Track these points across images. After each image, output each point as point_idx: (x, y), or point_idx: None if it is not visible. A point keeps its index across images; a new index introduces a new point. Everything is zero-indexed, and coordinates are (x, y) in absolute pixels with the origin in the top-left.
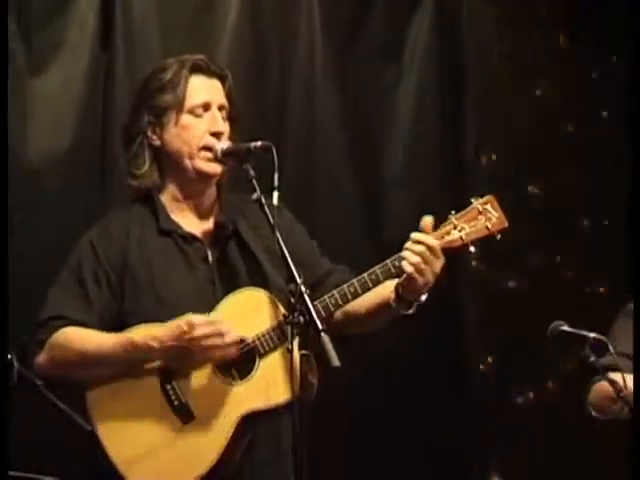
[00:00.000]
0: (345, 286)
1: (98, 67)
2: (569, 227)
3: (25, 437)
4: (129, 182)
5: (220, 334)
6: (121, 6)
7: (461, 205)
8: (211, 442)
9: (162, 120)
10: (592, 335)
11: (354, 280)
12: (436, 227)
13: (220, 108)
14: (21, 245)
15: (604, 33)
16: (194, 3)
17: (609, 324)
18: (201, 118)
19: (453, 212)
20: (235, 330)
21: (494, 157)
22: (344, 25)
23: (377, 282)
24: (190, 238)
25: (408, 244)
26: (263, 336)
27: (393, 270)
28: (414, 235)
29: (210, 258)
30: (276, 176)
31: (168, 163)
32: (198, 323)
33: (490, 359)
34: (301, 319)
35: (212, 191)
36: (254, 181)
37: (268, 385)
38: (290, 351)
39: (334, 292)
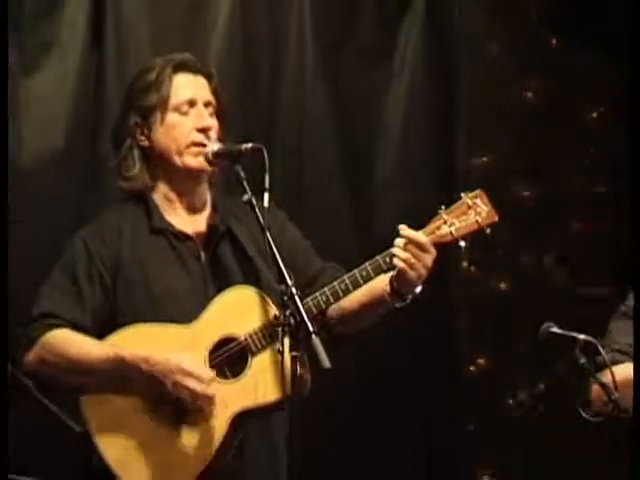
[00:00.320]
0: (336, 283)
1: (89, 67)
2: (560, 229)
3: (15, 438)
4: (120, 185)
5: (199, 394)
6: (112, 6)
7: (452, 204)
8: (205, 441)
9: (149, 120)
10: (582, 337)
11: (345, 277)
12: (426, 222)
13: (206, 104)
14: (12, 245)
15: (595, 33)
16: (185, 4)
17: (600, 324)
18: (187, 115)
19: (443, 207)
20: (226, 328)
21: (485, 158)
22: (334, 26)
23: (368, 278)
24: (183, 237)
25: (397, 240)
26: (255, 334)
27: (384, 266)
28: (404, 232)
29: (203, 257)
30: (267, 178)
31: (158, 162)
32: (185, 371)
33: (481, 361)
34: (292, 320)
35: (203, 190)
36: (245, 183)
37: (260, 384)
38: (281, 353)
39: (325, 289)
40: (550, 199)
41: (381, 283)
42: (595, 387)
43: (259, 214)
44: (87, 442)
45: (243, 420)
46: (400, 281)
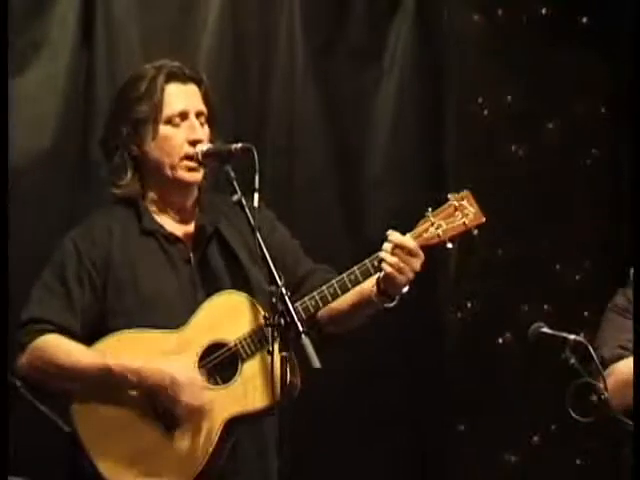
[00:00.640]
0: (325, 287)
1: (79, 66)
2: (553, 226)
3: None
4: (113, 191)
5: (194, 407)
6: (102, 5)
7: (442, 204)
8: (197, 448)
9: (140, 132)
10: (572, 337)
11: (333, 281)
12: (413, 225)
13: (198, 114)
14: None
15: (588, 34)
16: (175, 4)
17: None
18: (179, 127)
19: (430, 209)
20: (216, 334)
21: (475, 158)
22: (324, 27)
23: (356, 282)
24: (173, 239)
25: (385, 245)
26: (245, 340)
27: (372, 270)
28: (391, 237)
29: (192, 259)
30: (257, 178)
31: (149, 172)
32: (179, 384)
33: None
34: (282, 321)
35: (193, 194)
36: (235, 183)
37: (250, 389)
38: (271, 353)
39: (314, 294)
40: (542, 197)
41: (370, 284)
42: (585, 387)
43: (249, 214)
44: (76, 443)
45: (234, 425)
46: (387, 284)
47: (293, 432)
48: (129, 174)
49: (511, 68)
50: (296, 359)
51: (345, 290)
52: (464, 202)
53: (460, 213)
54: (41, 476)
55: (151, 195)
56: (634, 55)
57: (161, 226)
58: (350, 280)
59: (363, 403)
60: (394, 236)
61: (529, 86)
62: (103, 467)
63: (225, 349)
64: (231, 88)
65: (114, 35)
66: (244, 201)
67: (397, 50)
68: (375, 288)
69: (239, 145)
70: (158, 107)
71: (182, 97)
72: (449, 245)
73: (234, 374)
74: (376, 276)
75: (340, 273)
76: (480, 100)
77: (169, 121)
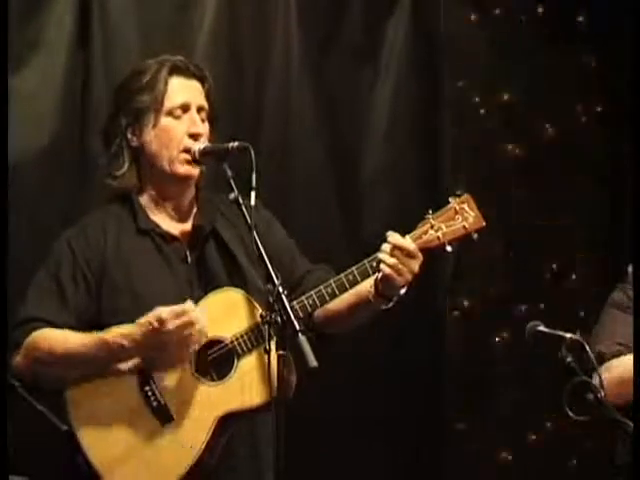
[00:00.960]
0: (322, 287)
1: (76, 66)
2: (551, 223)
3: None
4: (108, 182)
5: (191, 323)
6: (98, 5)
7: (438, 204)
8: (190, 443)
9: (141, 122)
10: (569, 336)
11: (331, 281)
12: (413, 223)
13: (199, 109)
14: None
15: (583, 33)
16: (172, 3)
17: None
18: (180, 120)
19: (430, 212)
20: (213, 331)
21: (472, 159)
22: (321, 26)
23: (354, 283)
24: (169, 238)
25: (384, 246)
26: (241, 337)
27: (370, 271)
28: (391, 238)
29: (189, 258)
30: (254, 176)
31: (147, 164)
32: (167, 317)
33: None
34: (278, 319)
35: (190, 192)
36: (232, 181)
37: (245, 386)
38: (267, 351)
39: (312, 293)
40: (540, 197)
41: (367, 284)
42: (582, 386)
43: (246, 213)
44: (72, 441)
45: (229, 422)
46: (385, 285)
47: (288, 431)
48: (126, 164)
49: (508, 68)
50: (292, 358)
51: (343, 290)
52: (465, 206)
53: (460, 217)
54: (40, 476)
55: (147, 190)
56: (633, 55)
57: (157, 225)
58: (348, 280)
59: (360, 402)
60: (393, 237)
61: (526, 86)
62: (97, 462)
63: (221, 345)
64: (227, 87)
65: (110, 35)
66: (241, 199)
67: (393, 49)
68: (373, 289)
69: (236, 144)
70: (160, 98)
71: (184, 90)
72: (448, 248)
73: (230, 371)
74: (374, 277)
75: (336, 272)
76: (476, 100)
77: (170, 113)
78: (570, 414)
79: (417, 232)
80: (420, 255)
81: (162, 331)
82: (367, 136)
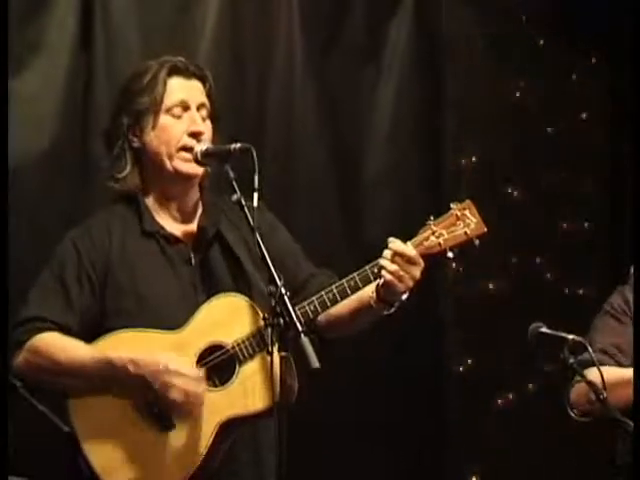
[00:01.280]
0: (324, 293)
1: (78, 68)
2: (549, 229)
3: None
4: (110, 185)
5: (186, 392)
6: (100, 7)
7: (440, 206)
8: (191, 449)
9: (141, 122)
10: (571, 337)
11: (333, 287)
12: (412, 227)
13: (200, 107)
14: None
15: (583, 34)
16: (174, 5)
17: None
18: (180, 119)
19: (432, 218)
20: (215, 336)
21: (474, 159)
22: (323, 28)
23: (356, 289)
24: (173, 240)
25: (385, 252)
26: (242, 342)
27: (372, 277)
28: (392, 245)
29: (193, 261)
30: (256, 178)
31: (149, 165)
32: (173, 370)
33: (470, 361)
34: (281, 321)
35: (194, 193)
36: (234, 183)
37: (247, 392)
38: (270, 353)
39: (313, 299)
40: (538, 199)
41: (369, 290)
42: (583, 387)
43: (248, 214)
44: (74, 443)
45: (231, 428)
46: (386, 291)
47: (291, 436)
48: (128, 166)
49: (510, 68)
50: (294, 363)
51: (344, 296)
52: (466, 212)
53: (462, 222)
54: (40, 476)
55: (152, 190)
56: (633, 55)
57: (162, 227)
58: (350, 286)
59: (362, 407)
60: (395, 244)
61: (529, 87)
62: (98, 467)
63: (223, 351)
64: (229, 89)
65: (113, 37)
66: (243, 201)
67: (396, 50)
68: (374, 295)
69: (238, 145)
70: (159, 99)
71: (184, 89)
72: (450, 254)
73: (231, 376)
74: (375, 283)
75: (338, 274)
76: (478, 100)
77: (170, 112)
78: (572, 415)
79: (418, 238)
80: (421, 261)
81: (162, 379)
82: (369, 137)
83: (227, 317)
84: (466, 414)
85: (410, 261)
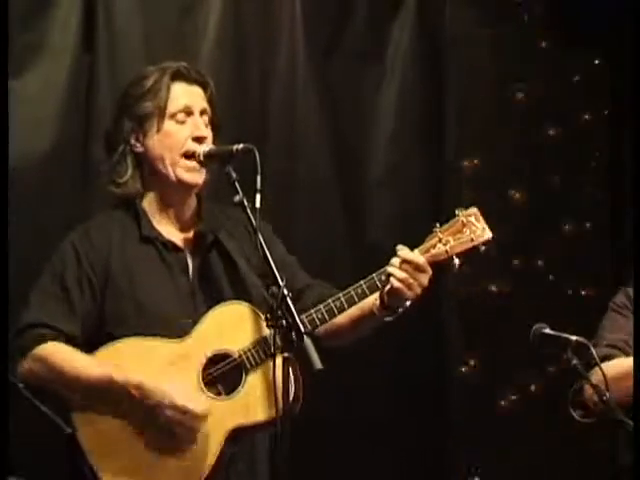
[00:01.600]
0: (331, 301)
1: (80, 70)
2: (552, 230)
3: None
4: (111, 190)
5: (192, 430)
6: (103, 9)
7: (442, 207)
8: (200, 458)
9: (144, 127)
10: (574, 338)
11: (340, 295)
12: (417, 230)
13: (202, 113)
14: None
15: (586, 35)
16: (177, 7)
17: (592, 325)
18: (183, 124)
19: (438, 225)
20: (220, 344)
21: (476, 160)
22: (325, 29)
23: (364, 296)
24: (171, 247)
25: (394, 260)
26: (249, 350)
27: (379, 285)
28: (401, 253)
29: (190, 268)
30: (258, 179)
31: (150, 170)
32: (180, 406)
33: (472, 362)
34: (283, 322)
35: (193, 201)
36: (236, 184)
37: (255, 401)
38: (273, 355)
39: (320, 307)
40: (540, 200)
41: (372, 297)
42: (587, 388)
43: (251, 215)
44: (77, 444)
45: (237, 437)
46: (393, 298)
47: (293, 437)
48: (129, 171)
49: (513, 68)
50: (299, 370)
51: (352, 304)
52: (472, 218)
53: (468, 229)
54: (41, 476)
55: (151, 196)
56: (633, 55)
57: (160, 233)
58: (357, 294)
59: (364, 409)
60: (403, 251)
61: (532, 87)
62: (105, 475)
63: (229, 360)
64: (233, 91)
65: (115, 39)
66: (245, 202)
67: (398, 51)
68: (378, 302)
69: (240, 146)
70: (163, 103)
71: (187, 95)
72: (456, 261)
73: (237, 385)
74: (379, 291)
75: (340, 275)
76: (482, 102)
77: (173, 117)
78: (575, 416)
79: (425, 245)
80: (429, 269)
81: (165, 414)
82: (372, 138)
83: (232, 325)
84: (468, 415)
85: (419, 269)
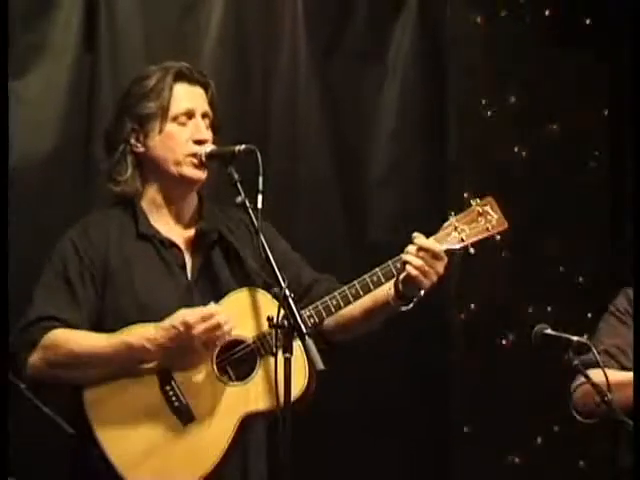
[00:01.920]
0: (346, 288)
1: (82, 70)
2: (556, 229)
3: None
4: (111, 188)
5: (218, 326)
6: (105, 9)
7: (444, 206)
8: (212, 443)
9: (146, 128)
10: (575, 338)
11: (355, 282)
12: (418, 228)
13: (203, 116)
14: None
15: (586, 35)
16: (178, 6)
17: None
18: (185, 126)
19: (453, 213)
20: (236, 330)
21: (477, 159)
22: (327, 28)
23: (379, 284)
24: (168, 244)
25: (410, 247)
26: (264, 337)
27: (395, 272)
28: (417, 240)
29: (189, 265)
30: (260, 179)
31: (151, 169)
32: (193, 322)
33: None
34: (285, 322)
35: (192, 198)
36: (238, 184)
37: (267, 387)
38: (275, 354)
39: (335, 293)
40: (544, 200)
41: (385, 287)
42: (588, 388)
43: (252, 216)
44: (81, 444)
45: (250, 423)
46: (409, 286)
47: (295, 430)
48: (129, 170)
49: (514, 69)
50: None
51: (367, 291)
52: (487, 207)
53: (483, 219)
54: (41, 477)
55: (150, 194)
56: (634, 55)
57: (157, 231)
58: (372, 281)
59: (366, 405)
60: (420, 239)
61: (532, 87)
62: (117, 461)
63: (244, 346)
64: (234, 91)
65: (117, 39)
66: (247, 203)
67: (400, 51)
68: (393, 291)
69: (242, 146)
70: (166, 104)
71: (189, 96)
72: (471, 250)
73: (252, 371)
74: (392, 280)
75: (341, 274)
76: (483, 102)
77: (176, 119)
78: (576, 416)
79: (441, 234)
80: (445, 257)
81: (188, 335)
82: (373, 137)
83: (246, 311)
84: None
85: (435, 256)
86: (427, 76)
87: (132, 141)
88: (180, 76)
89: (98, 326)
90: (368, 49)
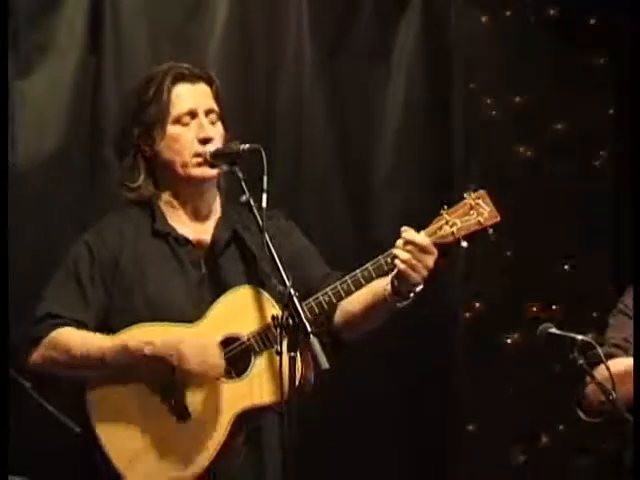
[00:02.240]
0: (338, 284)
1: (86, 70)
2: (560, 227)
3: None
4: (124, 194)
5: (212, 366)
6: (110, 9)
7: (449, 206)
8: (208, 440)
9: (151, 133)
10: (580, 337)
11: (347, 277)
12: (425, 221)
13: (208, 112)
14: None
15: (590, 34)
16: (183, 7)
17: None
18: (188, 127)
19: (445, 207)
20: (231, 327)
21: (482, 159)
22: (332, 28)
23: (370, 279)
24: (184, 241)
25: (398, 242)
26: (258, 334)
27: (385, 267)
28: (405, 234)
29: (202, 263)
30: (265, 179)
31: (162, 172)
32: (191, 342)
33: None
34: (290, 321)
35: (209, 195)
36: (243, 183)
37: (263, 383)
38: (279, 354)
39: (327, 290)
40: (549, 199)
41: (383, 282)
42: (593, 387)
43: (257, 215)
44: (86, 442)
45: (246, 419)
46: (400, 281)
47: (299, 431)
48: (142, 175)
49: (519, 69)
50: (309, 355)
51: (358, 286)
52: (479, 201)
53: (475, 212)
54: (43, 477)
55: (165, 196)
56: (634, 55)
57: (173, 229)
58: (363, 276)
59: (371, 404)
60: (407, 233)
61: (537, 87)
62: (115, 459)
63: (239, 343)
64: (239, 90)
65: (121, 39)
66: (252, 201)
67: (405, 51)
68: (389, 287)
69: (247, 146)
70: (165, 108)
71: (190, 96)
72: (464, 244)
73: (247, 368)
74: (390, 276)
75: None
76: (488, 101)
77: (178, 121)
78: (581, 415)
79: (432, 228)
80: (435, 250)
81: (180, 367)
82: (379, 137)
83: (242, 308)
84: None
85: (423, 250)
86: (432, 76)
87: (141, 146)
88: (179, 77)
89: (107, 324)
90: (373, 49)
